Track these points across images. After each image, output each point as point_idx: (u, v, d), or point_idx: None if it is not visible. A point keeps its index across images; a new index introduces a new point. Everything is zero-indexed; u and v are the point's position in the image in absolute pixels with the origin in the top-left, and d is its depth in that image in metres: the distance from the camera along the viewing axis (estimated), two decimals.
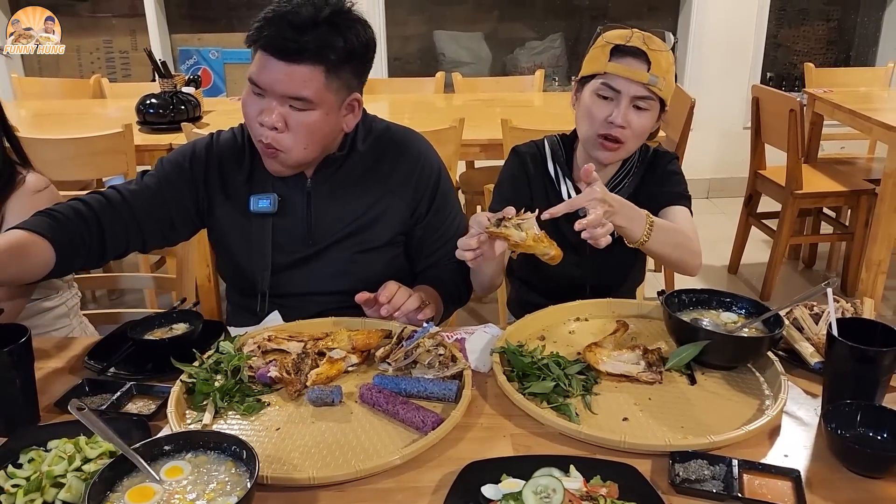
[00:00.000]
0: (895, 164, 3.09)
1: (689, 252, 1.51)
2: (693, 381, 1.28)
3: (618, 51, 1.52)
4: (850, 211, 3.69)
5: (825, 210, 3.87)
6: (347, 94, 1.45)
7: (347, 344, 1.34)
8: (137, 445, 0.98)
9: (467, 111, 3.46)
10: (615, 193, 1.66)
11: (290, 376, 1.25)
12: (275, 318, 1.51)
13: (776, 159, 3.64)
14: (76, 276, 1.89)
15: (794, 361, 1.34)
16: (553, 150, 1.69)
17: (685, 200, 1.63)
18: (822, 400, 1.20)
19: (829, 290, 1.13)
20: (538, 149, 1.71)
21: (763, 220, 3.75)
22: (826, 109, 3.61)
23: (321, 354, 1.33)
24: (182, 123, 2.87)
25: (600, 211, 1.26)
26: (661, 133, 2.89)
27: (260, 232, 1.56)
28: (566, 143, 1.70)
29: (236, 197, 1.57)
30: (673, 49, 1.55)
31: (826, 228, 3.92)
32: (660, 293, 1.47)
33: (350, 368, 1.32)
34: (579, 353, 1.35)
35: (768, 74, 5.17)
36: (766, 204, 3.74)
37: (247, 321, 1.57)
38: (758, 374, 1.31)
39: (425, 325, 1.37)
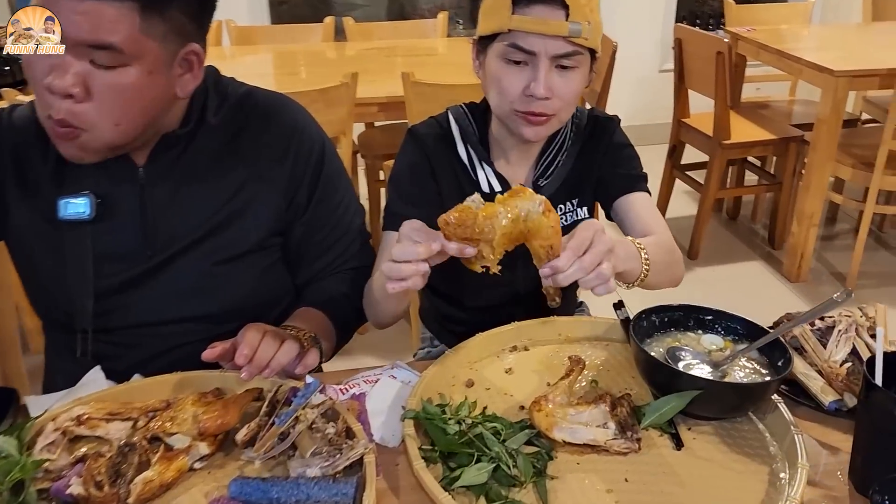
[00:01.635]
0: (828, 109, 2.86)
1: (677, 265, 1.20)
2: (679, 444, 0.94)
3: None
4: (775, 159, 3.49)
5: (749, 158, 3.66)
6: (180, 44, 1.02)
7: (193, 426, 0.92)
8: None
9: (362, 63, 2.99)
10: (549, 174, 1.30)
11: (102, 491, 0.83)
12: (95, 378, 1.08)
13: (700, 106, 3.37)
14: None
15: (795, 396, 1.03)
16: (462, 127, 1.27)
17: (643, 182, 1.28)
18: (851, 461, 0.90)
19: (880, 331, 0.80)
20: (441, 127, 1.29)
21: (687, 172, 3.50)
22: (750, 50, 3.34)
23: (156, 440, 0.92)
24: (3, 89, 2.29)
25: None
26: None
27: (75, 245, 1.12)
28: (477, 117, 1.28)
29: (40, 197, 1.13)
30: None
31: (751, 177, 3.72)
32: (616, 307, 1.13)
33: (197, 465, 0.91)
34: (522, 408, 1.00)
35: (681, 14, 4.89)
36: (689, 154, 3.50)
37: (69, 368, 1.15)
38: (757, 421, 0.98)
39: (308, 382, 0.97)
